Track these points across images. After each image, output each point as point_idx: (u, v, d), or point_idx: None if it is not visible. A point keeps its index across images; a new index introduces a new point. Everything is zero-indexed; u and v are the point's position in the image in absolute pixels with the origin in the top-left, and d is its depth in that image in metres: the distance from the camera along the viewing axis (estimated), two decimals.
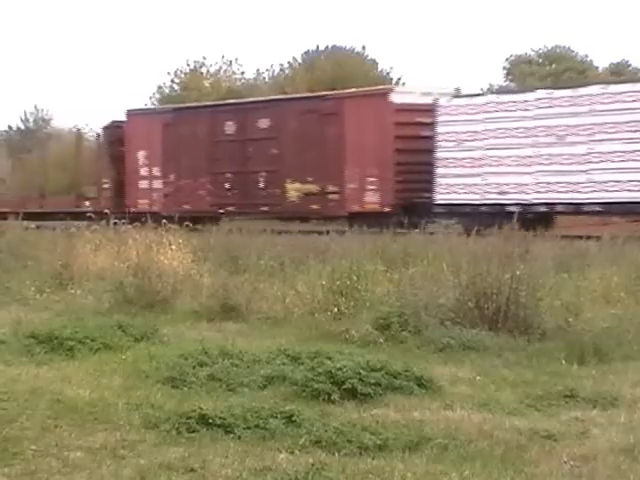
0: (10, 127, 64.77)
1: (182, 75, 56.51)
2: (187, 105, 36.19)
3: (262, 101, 32.26)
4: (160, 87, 56.91)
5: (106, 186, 33.59)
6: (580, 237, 19.21)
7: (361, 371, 6.76)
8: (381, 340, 8.81)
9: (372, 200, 26.27)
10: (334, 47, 54.47)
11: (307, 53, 55.13)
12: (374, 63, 54.69)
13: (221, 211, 29.91)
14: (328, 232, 18.16)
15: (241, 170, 29.25)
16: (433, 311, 9.36)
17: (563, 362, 8.02)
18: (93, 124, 48.27)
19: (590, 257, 14.30)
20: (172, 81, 56.67)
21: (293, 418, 5.88)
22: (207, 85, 56.07)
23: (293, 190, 28.13)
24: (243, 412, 5.92)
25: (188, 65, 56.51)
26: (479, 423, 6.02)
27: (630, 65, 49.47)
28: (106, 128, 34.70)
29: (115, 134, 33.66)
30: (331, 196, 27.40)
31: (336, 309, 10.08)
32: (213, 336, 9.13)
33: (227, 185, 29.82)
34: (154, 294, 11.39)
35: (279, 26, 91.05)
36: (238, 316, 10.60)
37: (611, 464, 5.21)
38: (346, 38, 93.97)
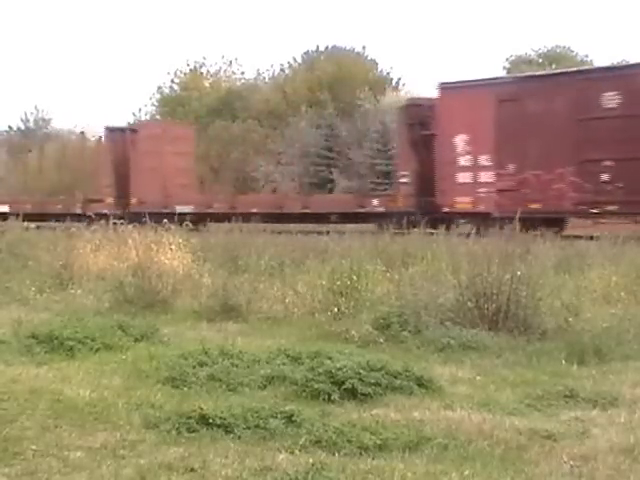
0: (10, 127, 64.83)
1: (182, 75, 56.55)
2: (538, 73, 29.81)
3: None
4: (160, 87, 56.99)
5: (405, 180, 26.76)
6: (580, 237, 19.23)
7: (361, 371, 6.77)
8: (381, 340, 8.81)
9: None
10: (334, 47, 54.51)
11: (307, 53, 55.18)
12: (374, 63, 54.74)
13: (595, 211, 23.14)
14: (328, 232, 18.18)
15: (629, 156, 21.78)
16: (433, 311, 9.36)
17: (563, 362, 8.02)
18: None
19: (590, 257, 14.31)
20: (172, 81, 56.72)
21: (293, 418, 5.88)
22: (207, 85, 56.09)
23: None
24: (243, 412, 5.92)
25: (188, 65, 56.61)
26: (479, 423, 6.02)
27: None
28: (404, 107, 28.01)
29: (415, 114, 26.88)
30: None
31: (336, 309, 10.08)
32: (213, 336, 9.13)
33: (605, 177, 22.45)
34: (154, 294, 11.40)
35: (279, 26, 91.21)
36: (238, 316, 10.60)
37: (611, 464, 5.21)
38: (346, 38, 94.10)
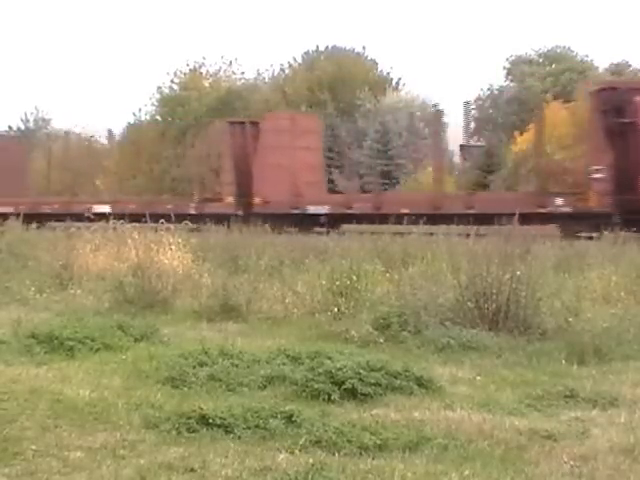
0: (10, 127, 64.87)
1: (182, 75, 56.52)
2: None
3: None
4: (159, 87, 56.95)
5: (598, 175, 23.52)
6: (580, 237, 19.23)
7: (361, 371, 6.76)
8: (381, 340, 8.81)
9: None
10: (334, 47, 54.59)
11: (307, 53, 55.23)
12: (374, 63, 54.80)
13: None
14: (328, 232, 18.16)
15: None
16: (433, 311, 9.36)
17: (563, 362, 8.02)
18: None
19: (590, 257, 14.31)
20: (172, 81, 56.69)
21: (293, 418, 5.88)
22: (207, 85, 56.06)
23: None
24: (243, 412, 5.92)
25: (188, 65, 56.58)
26: (479, 423, 6.02)
27: (630, 65, 49.57)
28: (595, 92, 25.06)
29: (610, 100, 23.88)
30: None
31: (336, 309, 10.09)
32: (213, 336, 9.13)
33: None
34: (154, 294, 11.40)
35: (279, 26, 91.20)
36: (238, 316, 10.60)
37: (611, 464, 5.21)
38: (346, 39, 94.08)
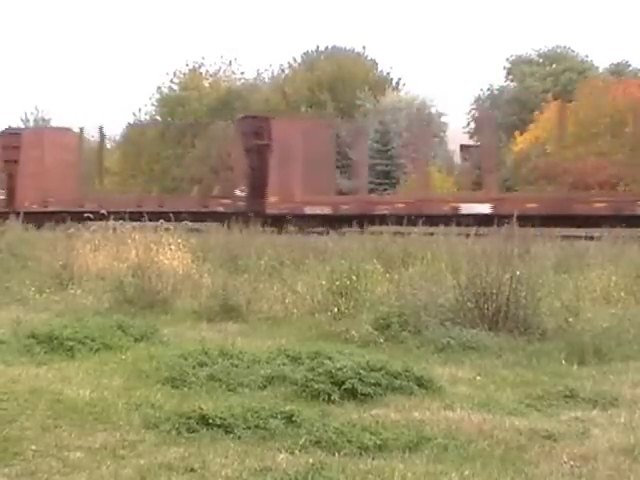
0: (10, 127, 64.80)
1: (181, 75, 56.48)
2: None
3: None
4: (159, 87, 56.92)
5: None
6: (580, 237, 19.23)
7: (361, 371, 6.76)
8: (381, 340, 8.81)
9: None
10: (334, 47, 54.52)
11: (307, 53, 55.17)
12: (374, 63, 54.74)
13: None
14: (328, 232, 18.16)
15: None
16: (433, 311, 9.36)
17: (563, 362, 8.02)
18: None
19: (590, 257, 14.31)
20: (171, 81, 56.65)
21: (293, 418, 5.88)
22: (206, 85, 56.04)
23: None
24: (243, 412, 5.91)
25: (187, 65, 56.52)
26: (479, 423, 6.02)
27: (630, 65, 49.55)
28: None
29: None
30: None
31: (336, 309, 10.09)
32: (213, 336, 9.13)
33: None
34: (154, 294, 11.39)
35: (279, 26, 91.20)
36: (238, 316, 10.60)
37: (611, 464, 5.21)
38: (346, 39, 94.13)
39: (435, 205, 28.70)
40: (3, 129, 42.67)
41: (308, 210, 30.80)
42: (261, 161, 32.91)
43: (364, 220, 27.72)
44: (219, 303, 10.83)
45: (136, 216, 27.53)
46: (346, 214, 29.29)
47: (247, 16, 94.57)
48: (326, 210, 30.68)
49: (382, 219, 26.74)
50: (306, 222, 26.04)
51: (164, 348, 8.50)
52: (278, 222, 28.22)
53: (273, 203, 31.71)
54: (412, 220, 22.14)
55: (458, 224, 22.06)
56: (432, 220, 24.22)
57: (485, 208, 27.06)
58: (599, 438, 5.75)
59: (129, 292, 11.39)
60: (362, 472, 4.99)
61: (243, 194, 32.86)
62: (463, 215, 26.49)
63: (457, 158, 48.58)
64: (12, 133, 41.25)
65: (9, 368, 7.59)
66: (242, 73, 57.35)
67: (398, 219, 23.64)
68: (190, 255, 14.32)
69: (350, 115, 46.08)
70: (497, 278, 9.28)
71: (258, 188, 32.39)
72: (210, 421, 5.80)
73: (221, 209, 32.74)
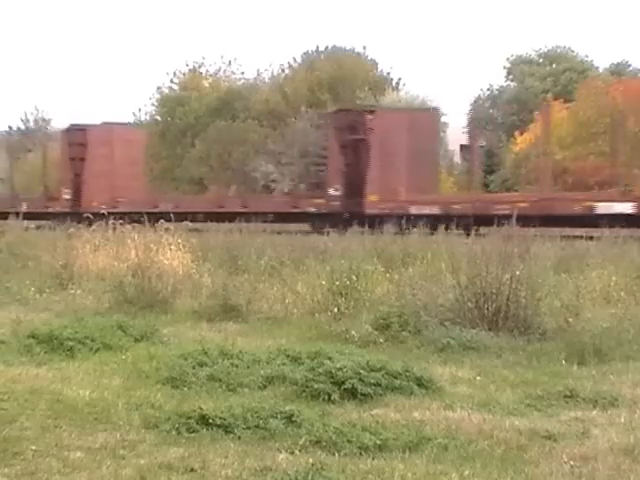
0: (10, 127, 64.87)
1: (181, 75, 56.51)
2: None
3: None
4: (159, 87, 56.96)
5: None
6: (580, 237, 19.22)
7: (361, 371, 6.76)
8: (381, 340, 8.81)
9: None
10: (334, 47, 54.53)
11: (307, 53, 55.17)
12: (374, 63, 54.74)
13: None
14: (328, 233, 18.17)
15: None
16: (433, 311, 9.36)
17: (563, 362, 8.02)
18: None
19: (590, 257, 14.31)
20: (171, 81, 56.69)
21: (293, 418, 5.88)
22: (206, 85, 56.06)
23: None
24: (243, 412, 5.91)
25: (187, 65, 56.56)
26: (479, 423, 6.02)
27: (630, 65, 49.60)
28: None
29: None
30: None
31: (336, 309, 10.08)
32: (213, 336, 9.13)
33: None
34: (154, 294, 11.39)
35: (279, 26, 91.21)
36: (238, 316, 10.60)
37: (611, 464, 5.21)
38: (346, 39, 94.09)
39: (566, 204, 26.86)
40: (69, 125, 41.10)
41: (414, 210, 28.09)
42: (357, 157, 31.23)
43: (479, 221, 25.23)
44: (219, 303, 10.83)
45: (214, 217, 26.51)
46: (458, 214, 26.84)
47: (247, 16, 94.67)
48: (435, 210, 28.38)
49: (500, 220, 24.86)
50: (412, 223, 23.69)
51: (164, 348, 8.50)
52: (380, 223, 25.10)
53: (373, 203, 29.82)
54: (542, 221, 20.81)
55: (595, 225, 21.01)
56: (561, 221, 23.07)
57: (626, 207, 25.33)
58: (599, 438, 5.75)
59: (129, 292, 11.39)
60: (362, 472, 4.99)
61: (337, 193, 31.23)
62: (601, 215, 24.51)
63: (457, 158, 48.59)
64: (78, 129, 39.44)
65: (9, 368, 7.59)
66: (242, 73, 57.50)
67: (525, 220, 22.18)
68: (190, 255, 14.32)
69: None
70: (497, 278, 9.28)
71: (355, 187, 30.74)
72: (210, 421, 5.79)
73: (312, 209, 31.59)
